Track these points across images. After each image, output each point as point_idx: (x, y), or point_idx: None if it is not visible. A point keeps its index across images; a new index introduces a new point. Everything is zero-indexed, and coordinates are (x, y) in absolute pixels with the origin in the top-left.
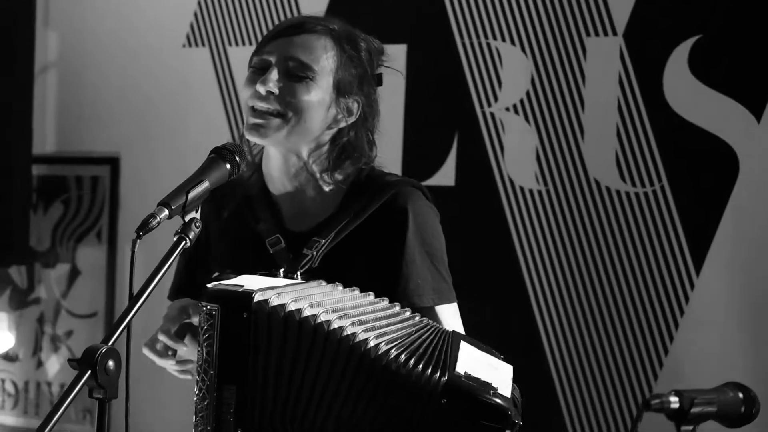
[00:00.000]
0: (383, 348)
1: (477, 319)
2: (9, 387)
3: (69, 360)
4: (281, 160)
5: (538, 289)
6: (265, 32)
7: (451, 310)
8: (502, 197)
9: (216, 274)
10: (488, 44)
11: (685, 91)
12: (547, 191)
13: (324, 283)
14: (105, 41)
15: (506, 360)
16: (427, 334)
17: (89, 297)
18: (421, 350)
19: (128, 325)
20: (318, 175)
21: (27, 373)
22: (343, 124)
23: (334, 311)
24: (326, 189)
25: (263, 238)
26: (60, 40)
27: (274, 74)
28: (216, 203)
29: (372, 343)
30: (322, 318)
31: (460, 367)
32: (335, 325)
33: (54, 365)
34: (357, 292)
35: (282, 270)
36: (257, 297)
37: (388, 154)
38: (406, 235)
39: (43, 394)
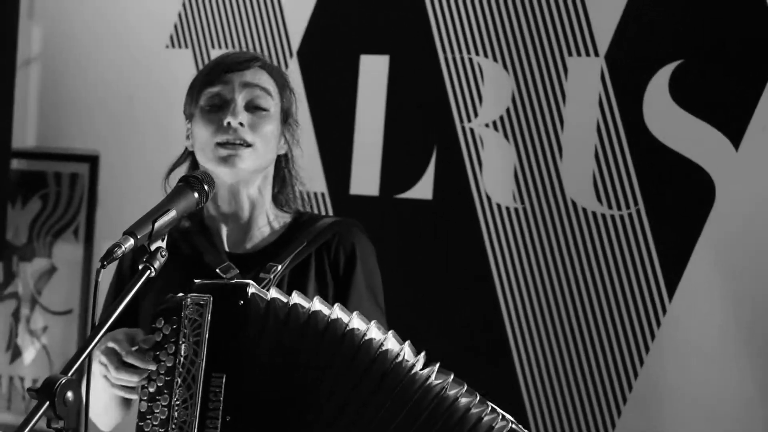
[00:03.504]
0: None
1: (450, 334)
2: None
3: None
4: (231, 190)
5: (510, 305)
6: (248, 35)
7: None
8: (479, 213)
9: (170, 295)
10: (470, 59)
11: (665, 116)
12: (524, 209)
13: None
14: (89, 39)
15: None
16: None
17: (65, 294)
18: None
19: (89, 355)
20: (267, 204)
21: (0, 367)
22: (281, 152)
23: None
24: (270, 219)
25: (213, 267)
26: (43, 34)
27: (240, 107)
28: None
29: (407, 355)
30: (339, 315)
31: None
32: (356, 324)
33: (28, 360)
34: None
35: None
36: (252, 289)
37: (367, 165)
38: (355, 271)
39: (16, 388)
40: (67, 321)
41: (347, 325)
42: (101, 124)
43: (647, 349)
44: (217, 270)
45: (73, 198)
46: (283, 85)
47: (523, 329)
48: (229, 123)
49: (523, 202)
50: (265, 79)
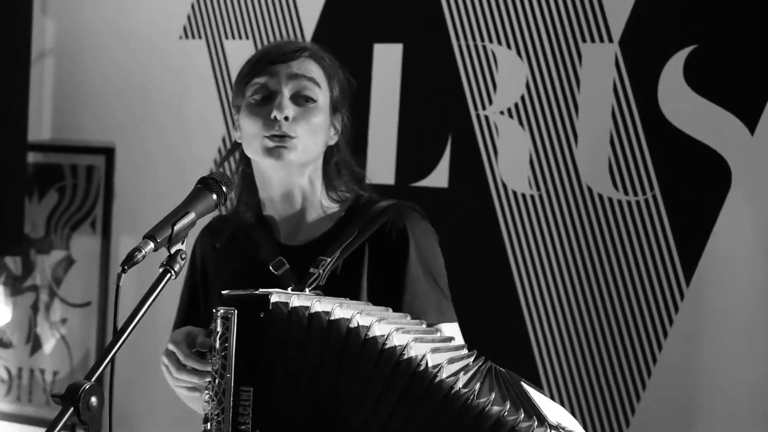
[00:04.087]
0: (448, 370)
1: (468, 321)
2: (2, 373)
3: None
4: (284, 183)
5: (528, 292)
6: (261, 27)
7: (453, 328)
8: (495, 200)
9: (224, 292)
10: (484, 47)
11: (680, 101)
12: (540, 196)
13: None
14: (102, 31)
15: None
16: (478, 361)
17: (83, 286)
18: (488, 382)
19: (112, 360)
20: (319, 195)
21: (21, 360)
22: (332, 142)
23: (369, 315)
24: (325, 208)
25: (266, 263)
26: (57, 27)
27: (287, 101)
28: (210, 237)
29: (431, 361)
30: (360, 321)
31: (549, 414)
32: (377, 332)
33: (48, 352)
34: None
35: (290, 288)
36: (274, 298)
37: (382, 154)
38: (408, 255)
39: (36, 381)
40: (86, 313)
41: (367, 333)
42: (116, 116)
43: (666, 334)
44: (270, 266)
45: (90, 190)
46: (332, 74)
47: (540, 316)
48: (275, 117)
49: (539, 189)
50: (313, 69)
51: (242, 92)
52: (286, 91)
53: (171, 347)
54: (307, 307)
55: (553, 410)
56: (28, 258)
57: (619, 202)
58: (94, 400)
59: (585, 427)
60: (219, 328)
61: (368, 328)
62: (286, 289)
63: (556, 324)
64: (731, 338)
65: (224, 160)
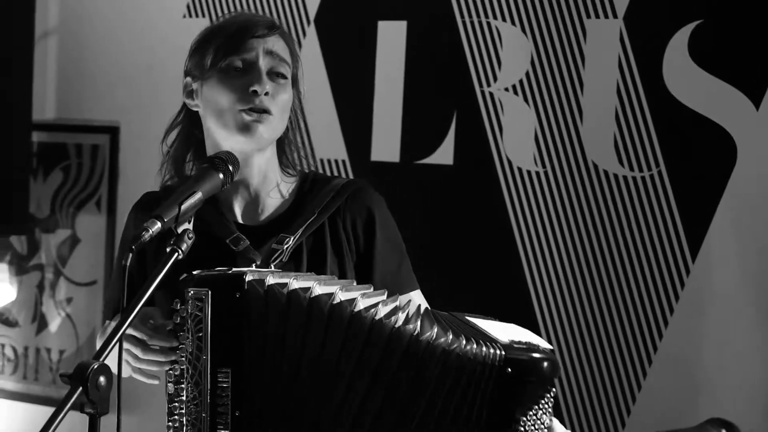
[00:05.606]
0: (429, 330)
1: (473, 298)
2: (9, 352)
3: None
4: (242, 159)
5: (534, 269)
6: (266, 3)
7: (420, 294)
8: (500, 177)
9: (184, 275)
10: (488, 23)
11: (685, 77)
12: (545, 173)
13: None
14: (106, 9)
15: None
16: (440, 314)
17: (88, 265)
18: (453, 328)
19: (120, 339)
20: (275, 170)
21: (27, 339)
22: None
23: (347, 290)
24: (280, 186)
25: (223, 239)
26: (61, 6)
27: (264, 75)
28: (144, 215)
29: (410, 325)
30: (341, 297)
31: (500, 336)
32: (361, 305)
33: (54, 331)
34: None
35: (254, 265)
36: (249, 277)
37: (387, 132)
38: (375, 233)
39: (43, 359)
40: (92, 292)
41: (353, 307)
42: (121, 95)
43: (671, 310)
44: (227, 241)
45: (95, 169)
46: (294, 52)
47: (546, 293)
48: (255, 91)
49: (544, 166)
50: (283, 47)
51: (213, 63)
52: (263, 67)
53: (131, 331)
54: (285, 284)
55: (504, 331)
56: (33, 237)
57: (625, 178)
58: (102, 379)
59: (591, 406)
60: (191, 309)
61: (353, 302)
62: (249, 265)
63: (563, 301)
64: (737, 314)
65: (171, 128)
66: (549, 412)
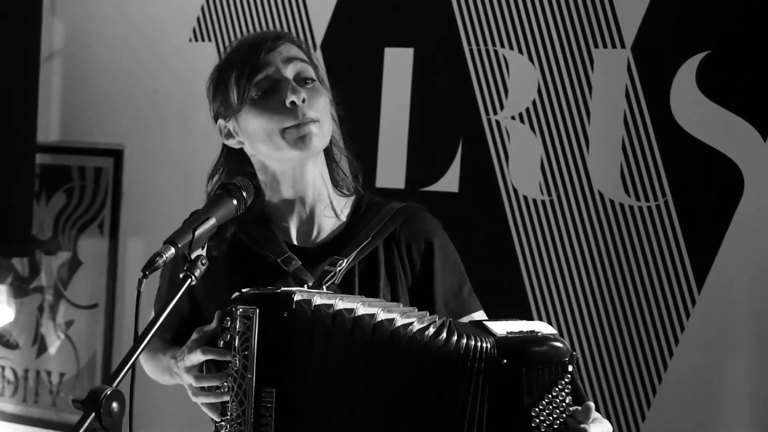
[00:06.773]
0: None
1: None
2: (9, 374)
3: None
4: (294, 174)
5: (539, 298)
6: (272, 28)
7: (483, 315)
8: (506, 206)
9: (235, 294)
10: (495, 51)
11: (692, 107)
12: (551, 201)
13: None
14: (112, 33)
15: None
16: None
17: (90, 288)
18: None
19: (133, 366)
20: (328, 187)
21: (27, 361)
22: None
23: (389, 311)
24: (334, 205)
25: (273, 259)
26: (66, 28)
27: (293, 84)
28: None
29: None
30: (382, 317)
31: (498, 330)
32: (399, 322)
33: (53, 353)
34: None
35: (306, 285)
36: (297, 297)
37: (392, 158)
38: (434, 257)
39: (43, 382)
40: (93, 315)
41: (393, 325)
42: (125, 118)
43: (677, 341)
44: (279, 261)
45: (98, 192)
46: (309, 52)
47: (551, 321)
48: (293, 102)
49: (550, 195)
50: (297, 51)
51: (241, 94)
52: (289, 75)
53: (188, 379)
54: (330, 305)
55: (508, 326)
56: (35, 259)
57: (631, 207)
58: (115, 405)
59: None
60: (239, 327)
61: (392, 321)
62: (300, 285)
63: (567, 329)
64: (743, 345)
65: (215, 171)
66: (567, 399)
